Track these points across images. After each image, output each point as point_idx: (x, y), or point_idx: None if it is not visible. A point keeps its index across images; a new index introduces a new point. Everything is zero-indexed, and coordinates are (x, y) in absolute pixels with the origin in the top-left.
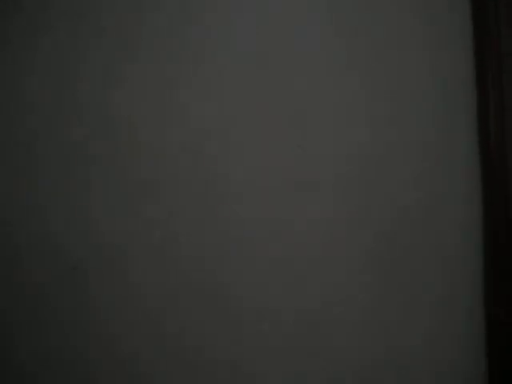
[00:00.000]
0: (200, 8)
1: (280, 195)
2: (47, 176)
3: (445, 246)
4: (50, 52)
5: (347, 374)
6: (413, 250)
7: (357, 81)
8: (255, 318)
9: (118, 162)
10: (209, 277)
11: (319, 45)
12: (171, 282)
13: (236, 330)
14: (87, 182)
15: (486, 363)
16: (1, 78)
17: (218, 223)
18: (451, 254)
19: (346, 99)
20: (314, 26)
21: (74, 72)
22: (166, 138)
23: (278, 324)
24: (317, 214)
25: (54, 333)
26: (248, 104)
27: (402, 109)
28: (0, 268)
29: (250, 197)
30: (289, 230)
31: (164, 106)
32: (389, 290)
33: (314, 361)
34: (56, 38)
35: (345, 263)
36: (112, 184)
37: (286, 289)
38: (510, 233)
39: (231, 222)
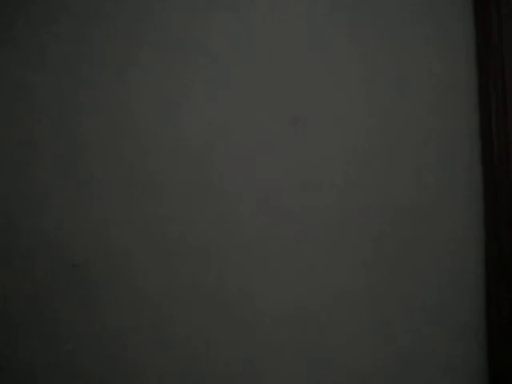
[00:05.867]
0: (203, 9)
1: (282, 196)
2: (48, 175)
3: (446, 245)
4: (54, 51)
5: (348, 374)
6: (414, 249)
7: (358, 82)
8: (258, 319)
9: (120, 163)
10: (212, 277)
11: (320, 45)
12: (175, 283)
13: (238, 330)
14: (89, 182)
15: (487, 363)
16: (4, 76)
17: (222, 224)
18: (452, 253)
19: (347, 99)
20: (315, 25)
21: (76, 71)
22: (169, 140)
23: (279, 324)
24: (318, 214)
25: (54, 332)
26: (251, 105)
27: (403, 108)
28: (0, 267)
29: (253, 198)
30: (290, 231)
31: (167, 107)
32: (390, 290)
33: (314, 361)
34: (60, 38)
35: (346, 263)
36: (115, 184)
37: (286, 289)
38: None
39: (235, 223)
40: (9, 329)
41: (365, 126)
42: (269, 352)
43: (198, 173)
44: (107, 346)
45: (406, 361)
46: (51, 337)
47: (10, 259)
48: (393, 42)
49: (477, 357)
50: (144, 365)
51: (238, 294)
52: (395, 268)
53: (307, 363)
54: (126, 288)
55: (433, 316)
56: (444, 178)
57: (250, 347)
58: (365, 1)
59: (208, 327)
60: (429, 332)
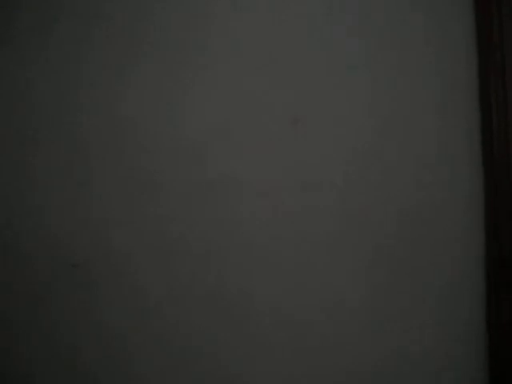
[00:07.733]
0: (203, 10)
1: (282, 196)
2: (48, 175)
3: (446, 245)
4: (54, 52)
5: (348, 374)
6: (414, 249)
7: (357, 82)
8: (258, 319)
9: (120, 163)
10: (212, 278)
11: (320, 45)
12: (175, 283)
13: (238, 330)
14: (89, 182)
15: (487, 363)
16: (4, 76)
17: (222, 224)
18: (452, 253)
19: (347, 99)
20: (315, 25)
21: (77, 72)
22: (169, 140)
23: (279, 324)
24: (318, 214)
25: (54, 332)
26: (251, 104)
27: (403, 108)
28: (0, 267)
29: (253, 198)
30: (290, 231)
31: (167, 107)
32: (390, 290)
33: (314, 361)
34: (61, 38)
35: (346, 263)
36: (115, 184)
37: (286, 289)
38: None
39: (235, 223)
40: (9, 328)
41: (365, 126)
42: (269, 352)
43: (198, 173)
44: (107, 345)
45: (405, 361)
46: (51, 336)
47: (9, 259)
48: (393, 42)
49: (477, 357)
50: (144, 365)
51: (237, 294)
52: (395, 268)
53: (307, 363)
54: (125, 288)
55: (433, 316)
56: (444, 178)
57: (250, 347)
58: (365, 1)
59: (208, 327)
60: (429, 332)
